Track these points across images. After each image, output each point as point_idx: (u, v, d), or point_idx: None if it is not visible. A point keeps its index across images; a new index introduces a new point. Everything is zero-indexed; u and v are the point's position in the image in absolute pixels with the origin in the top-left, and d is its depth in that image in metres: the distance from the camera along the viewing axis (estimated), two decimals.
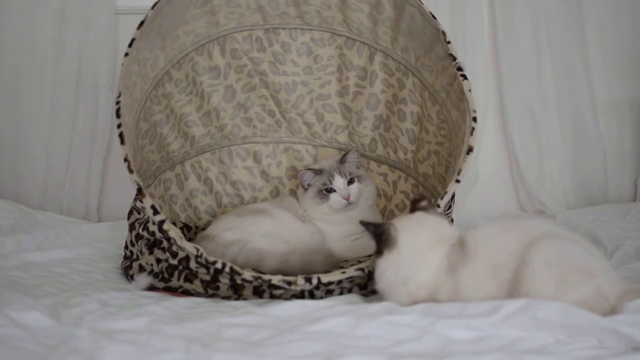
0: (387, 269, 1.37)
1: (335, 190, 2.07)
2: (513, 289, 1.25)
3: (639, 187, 2.82)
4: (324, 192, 2.08)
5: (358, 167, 2.19)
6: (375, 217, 2.17)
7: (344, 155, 2.15)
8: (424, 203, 1.46)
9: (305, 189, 2.14)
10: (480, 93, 2.70)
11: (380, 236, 1.38)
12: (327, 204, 2.08)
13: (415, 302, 1.30)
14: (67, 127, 2.73)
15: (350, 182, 2.09)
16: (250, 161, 2.42)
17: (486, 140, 2.80)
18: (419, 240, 1.37)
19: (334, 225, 2.11)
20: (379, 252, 1.39)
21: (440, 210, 1.63)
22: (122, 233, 2.09)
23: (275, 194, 2.42)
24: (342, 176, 2.08)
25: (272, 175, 2.43)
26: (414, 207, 1.46)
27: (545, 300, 1.16)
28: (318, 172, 2.13)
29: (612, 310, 1.20)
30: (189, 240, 1.87)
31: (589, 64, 2.77)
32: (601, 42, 2.83)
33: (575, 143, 2.80)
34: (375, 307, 1.30)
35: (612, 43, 2.85)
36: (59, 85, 2.73)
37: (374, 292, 1.53)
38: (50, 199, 2.75)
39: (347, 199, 2.06)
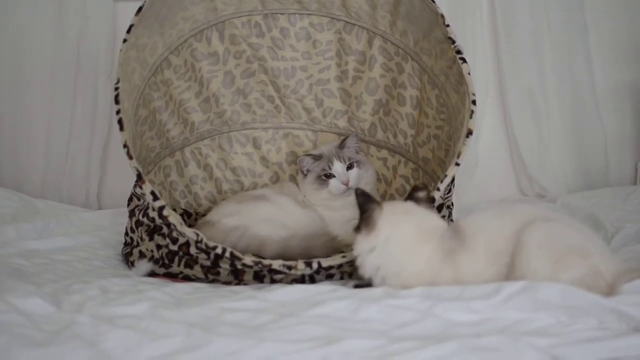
0: (363, 249, 1.38)
1: (334, 176, 2.07)
2: (510, 272, 1.26)
3: (639, 170, 2.81)
4: (323, 177, 2.08)
5: (357, 152, 2.18)
6: None
7: (343, 141, 2.15)
8: (422, 194, 1.45)
9: (305, 175, 2.14)
10: (480, 77, 2.68)
11: (365, 211, 1.38)
12: (326, 189, 2.08)
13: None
14: (66, 115, 2.75)
15: (350, 167, 2.08)
16: (250, 147, 2.41)
17: (486, 124, 2.79)
18: (403, 233, 1.37)
19: (334, 210, 2.11)
20: (358, 228, 1.40)
21: (440, 193, 1.63)
22: (122, 220, 2.09)
23: (275, 179, 2.41)
24: (341, 161, 2.08)
25: (272, 161, 2.42)
26: (411, 195, 1.45)
27: (545, 282, 1.17)
28: (317, 157, 2.12)
29: (610, 289, 1.20)
30: (189, 226, 1.86)
31: (589, 48, 2.76)
32: (601, 26, 2.81)
33: (575, 127, 2.80)
34: (375, 291, 1.30)
35: (613, 27, 2.83)
36: (59, 73, 2.75)
37: None
38: (51, 187, 2.76)
39: (346, 184, 2.06)
